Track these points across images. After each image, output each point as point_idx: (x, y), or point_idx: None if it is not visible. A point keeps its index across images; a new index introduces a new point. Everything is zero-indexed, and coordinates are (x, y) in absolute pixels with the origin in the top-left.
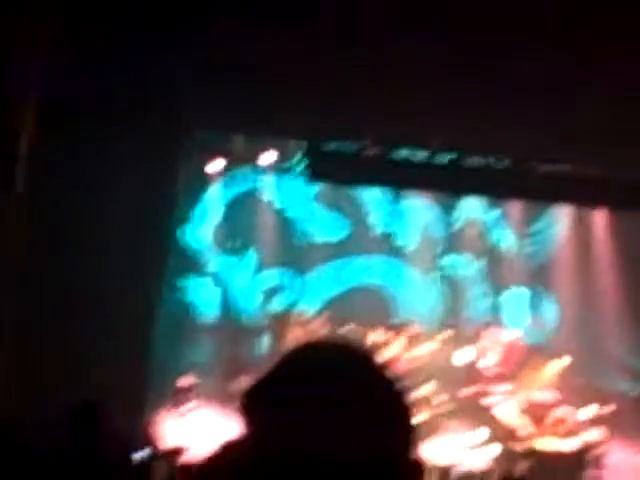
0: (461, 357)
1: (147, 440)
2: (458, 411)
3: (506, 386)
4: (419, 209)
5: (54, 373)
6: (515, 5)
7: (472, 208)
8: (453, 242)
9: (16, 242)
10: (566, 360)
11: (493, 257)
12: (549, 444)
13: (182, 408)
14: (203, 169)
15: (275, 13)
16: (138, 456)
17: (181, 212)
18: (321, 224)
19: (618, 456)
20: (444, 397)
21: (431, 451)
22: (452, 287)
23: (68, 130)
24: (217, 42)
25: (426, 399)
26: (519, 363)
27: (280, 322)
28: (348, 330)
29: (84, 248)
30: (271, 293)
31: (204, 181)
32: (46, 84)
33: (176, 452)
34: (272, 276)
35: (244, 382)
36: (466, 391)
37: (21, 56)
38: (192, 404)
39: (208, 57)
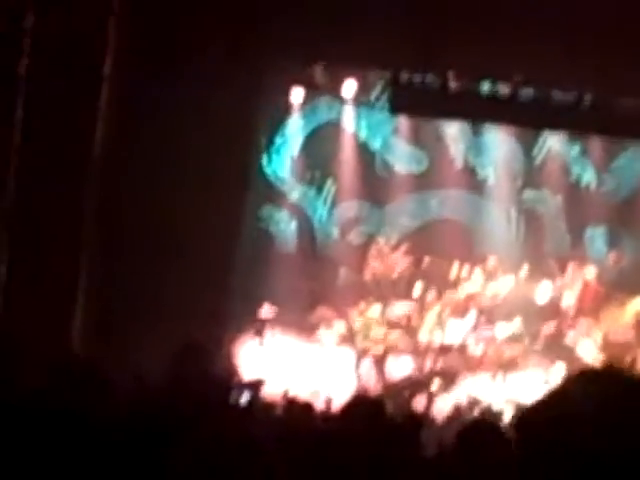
0: (541, 293)
1: (229, 372)
2: (538, 348)
3: (585, 323)
4: (500, 143)
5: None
6: None
7: (553, 143)
8: (533, 177)
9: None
10: None
11: (573, 193)
12: None
13: (260, 338)
14: (284, 99)
15: None
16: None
17: (262, 142)
18: (401, 157)
19: None
20: (527, 333)
21: (511, 387)
22: (531, 222)
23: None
24: None
25: (515, 336)
26: (598, 301)
27: (358, 254)
28: (426, 263)
29: (165, 171)
30: (350, 225)
31: (285, 111)
32: None
33: (256, 385)
34: (351, 207)
35: (321, 313)
36: (547, 327)
37: None
38: (270, 334)
39: None
